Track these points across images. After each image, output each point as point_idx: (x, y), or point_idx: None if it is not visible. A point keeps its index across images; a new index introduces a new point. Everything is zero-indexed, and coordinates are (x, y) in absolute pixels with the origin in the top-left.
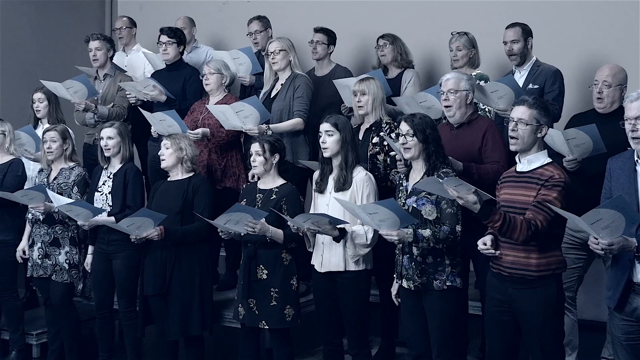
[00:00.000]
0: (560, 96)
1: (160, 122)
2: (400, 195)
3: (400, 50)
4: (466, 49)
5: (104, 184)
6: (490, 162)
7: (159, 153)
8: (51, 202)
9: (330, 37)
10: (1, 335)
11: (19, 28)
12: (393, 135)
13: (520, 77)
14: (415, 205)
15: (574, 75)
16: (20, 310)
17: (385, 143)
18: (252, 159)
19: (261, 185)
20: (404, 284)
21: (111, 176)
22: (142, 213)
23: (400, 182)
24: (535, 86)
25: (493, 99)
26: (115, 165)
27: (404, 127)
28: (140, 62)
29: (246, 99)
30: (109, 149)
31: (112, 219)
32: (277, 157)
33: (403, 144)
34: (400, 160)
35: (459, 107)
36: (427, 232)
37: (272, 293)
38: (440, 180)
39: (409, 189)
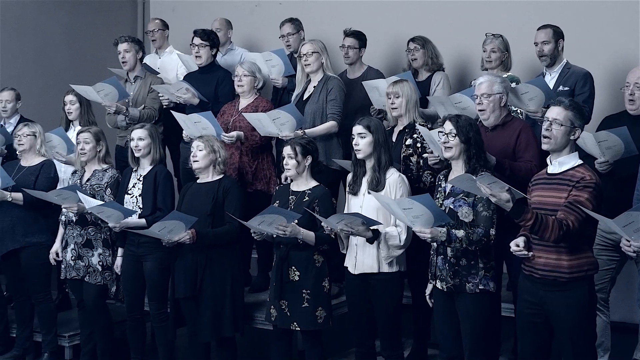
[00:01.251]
0: (590, 98)
1: (195, 124)
2: (438, 195)
3: (431, 54)
4: (500, 51)
5: (134, 186)
6: (523, 161)
7: (191, 155)
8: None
9: (361, 40)
10: (34, 337)
11: (52, 30)
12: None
13: (550, 79)
14: (452, 207)
15: (605, 78)
16: (53, 312)
17: (418, 145)
18: (284, 162)
19: (294, 187)
20: (438, 284)
21: (141, 178)
22: (173, 216)
23: (439, 182)
24: (566, 88)
25: (524, 100)
26: (145, 167)
27: (448, 126)
28: (173, 64)
29: (283, 107)
30: (140, 149)
31: (143, 221)
32: (309, 159)
33: (444, 142)
34: (431, 153)
35: (492, 110)
36: (460, 233)
37: (304, 294)
38: (474, 178)
39: (447, 190)
